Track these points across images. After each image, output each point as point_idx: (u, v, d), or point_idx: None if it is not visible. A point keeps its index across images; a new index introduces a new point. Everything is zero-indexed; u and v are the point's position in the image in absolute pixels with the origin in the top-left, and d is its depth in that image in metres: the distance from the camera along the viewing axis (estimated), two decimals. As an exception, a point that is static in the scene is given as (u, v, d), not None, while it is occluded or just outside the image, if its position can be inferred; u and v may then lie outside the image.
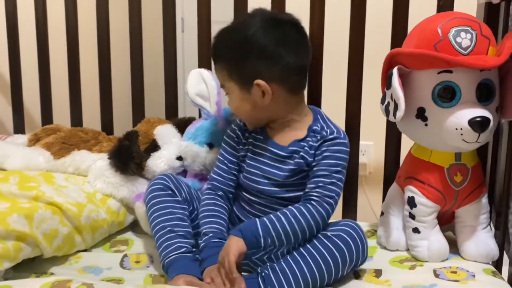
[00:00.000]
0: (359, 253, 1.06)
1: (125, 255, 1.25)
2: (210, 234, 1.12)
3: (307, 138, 1.14)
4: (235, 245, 1.02)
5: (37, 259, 1.18)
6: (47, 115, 1.71)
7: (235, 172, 1.21)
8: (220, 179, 1.21)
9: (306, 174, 1.13)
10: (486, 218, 1.19)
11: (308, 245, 1.05)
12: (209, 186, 1.22)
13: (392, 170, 1.40)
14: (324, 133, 1.12)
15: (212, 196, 1.20)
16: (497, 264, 1.20)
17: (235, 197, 1.23)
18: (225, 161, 1.22)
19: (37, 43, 1.69)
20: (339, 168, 1.10)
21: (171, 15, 1.54)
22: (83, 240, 1.25)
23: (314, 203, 1.07)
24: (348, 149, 1.14)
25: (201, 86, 1.37)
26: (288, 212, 1.06)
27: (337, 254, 1.04)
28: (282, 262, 1.04)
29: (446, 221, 1.25)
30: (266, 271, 1.03)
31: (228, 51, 1.14)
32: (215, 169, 1.23)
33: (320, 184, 1.08)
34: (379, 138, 1.47)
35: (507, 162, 1.17)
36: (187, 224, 1.15)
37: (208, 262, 1.08)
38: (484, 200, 1.19)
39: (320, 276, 1.03)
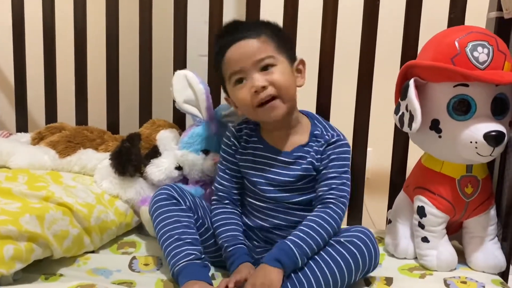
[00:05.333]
0: (372, 258, 1.07)
1: (134, 257, 1.24)
2: (226, 244, 1.15)
3: (310, 143, 1.17)
4: (278, 280, 1.01)
5: (45, 260, 1.15)
6: (52, 113, 1.69)
7: (237, 180, 1.23)
8: (223, 188, 1.23)
9: (312, 177, 1.15)
10: (494, 229, 1.21)
11: (322, 252, 1.06)
12: (215, 197, 1.24)
13: (398, 178, 1.41)
14: (327, 137, 1.16)
15: (220, 206, 1.22)
16: (503, 275, 1.21)
17: (241, 203, 1.24)
18: (226, 170, 1.23)
19: (44, 40, 1.66)
20: (346, 169, 1.15)
21: (182, 15, 1.52)
22: (92, 241, 1.23)
23: (332, 205, 1.10)
24: (350, 149, 1.18)
25: (187, 92, 1.33)
26: (314, 224, 1.07)
27: (350, 259, 1.04)
28: (298, 272, 1.04)
29: (453, 231, 1.26)
30: (283, 283, 1.03)
31: (272, 29, 1.17)
32: (217, 178, 1.24)
33: (333, 186, 1.12)
34: (378, 144, 1.49)
35: (515, 175, 1.19)
36: (194, 231, 1.15)
37: (233, 267, 1.11)
38: (493, 211, 1.20)
39: (334, 282, 1.03)
